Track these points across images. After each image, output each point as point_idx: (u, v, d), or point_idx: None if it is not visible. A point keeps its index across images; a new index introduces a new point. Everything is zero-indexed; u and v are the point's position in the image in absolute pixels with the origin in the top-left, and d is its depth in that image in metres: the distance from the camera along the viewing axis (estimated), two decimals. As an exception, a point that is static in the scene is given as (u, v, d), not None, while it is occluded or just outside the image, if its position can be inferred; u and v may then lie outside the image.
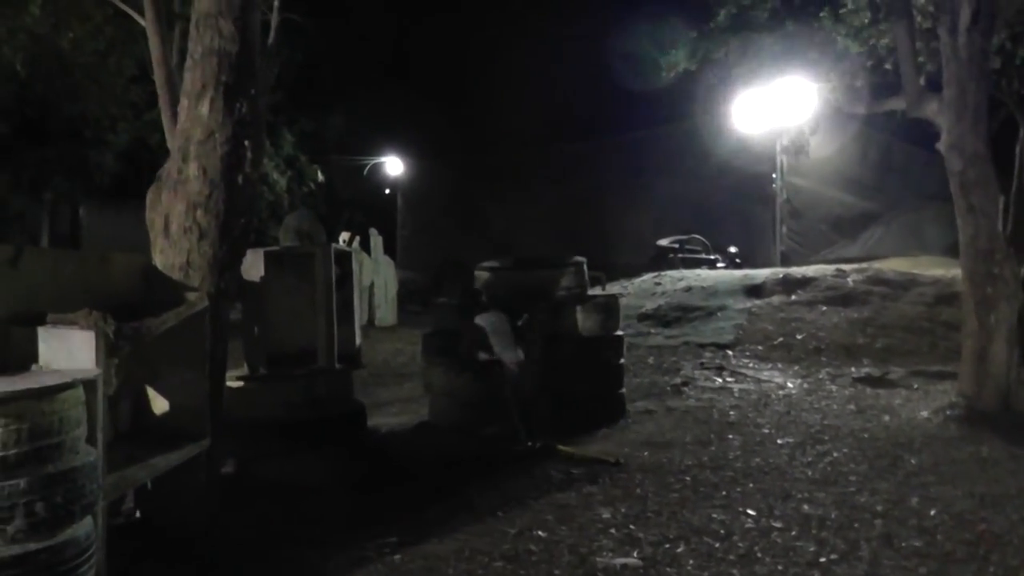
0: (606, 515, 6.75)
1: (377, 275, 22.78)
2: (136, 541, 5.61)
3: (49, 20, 14.45)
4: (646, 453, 8.83)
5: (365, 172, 39.95)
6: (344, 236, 20.01)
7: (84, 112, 21.08)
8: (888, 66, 13.50)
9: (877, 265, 20.38)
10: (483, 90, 36.88)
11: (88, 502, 4.13)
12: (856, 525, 6.48)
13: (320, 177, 31.77)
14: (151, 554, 5.52)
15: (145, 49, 11.35)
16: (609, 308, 10.89)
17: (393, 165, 40.64)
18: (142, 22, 10.42)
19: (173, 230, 6.25)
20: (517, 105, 36.01)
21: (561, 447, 8.76)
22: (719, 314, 17.67)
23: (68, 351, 4.61)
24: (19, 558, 3.73)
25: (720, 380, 13.19)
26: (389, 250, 25.98)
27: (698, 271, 24.25)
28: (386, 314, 23.29)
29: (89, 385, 4.36)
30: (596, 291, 12.03)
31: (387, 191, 42.38)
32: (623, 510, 6.88)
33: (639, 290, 20.93)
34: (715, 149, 29.71)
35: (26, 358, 4.63)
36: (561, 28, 35.81)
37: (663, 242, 30.60)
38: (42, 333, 4.69)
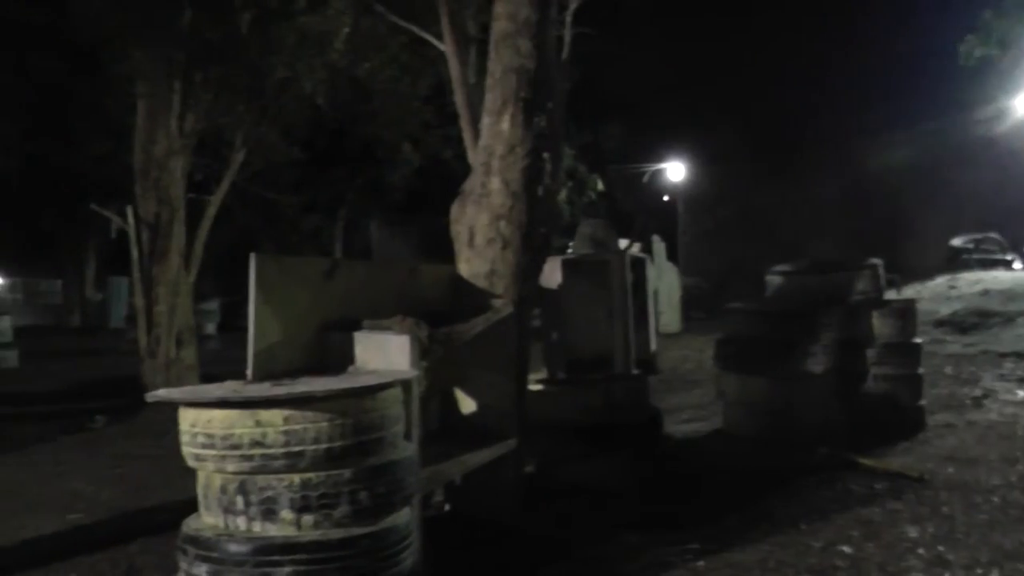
0: (913, 534, 6.51)
1: (661, 281, 22.81)
2: (448, 533, 5.90)
3: (348, 55, 15.33)
4: (950, 469, 8.43)
5: (645, 179, 40.06)
6: (623, 243, 20.18)
7: (377, 134, 22.13)
8: None
9: None
10: (768, 90, 36.29)
11: (407, 493, 4.42)
12: None
13: (600, 186, 32.10)
14: (462, 545, 5.80)
15: (438, 71, 11.88)
16: (907, 313, 10.50)
17: (674, 171, 40.52)
18: (441, 47, 10.92)
19: (478, 241, 6.54)
20: (804, 103, 35.26)
21: (862, 460, 8.52)
22: (1019, 320, 16.67)
23: (384, 354, 4.92)
24: (344, 541, 4.03)
25: (1023, 393, 12.48)
26: (671, 256, 25.99)
27: (995, 273, 23.04)
28: (671, 320, 23.32)
29: (406, 385, 4.65)
30: (892, 295, 11.64)
31: (666, 198, 42.36)
32: (930, 529, 6.60)
33: (933, 293, 20.06)
34: (1015, 139, 28.13)
35: (343, 361, 5.00)
36: (850, 20, 34.77)
37: (956, 241, 29.21)
38: (358, 337, 5.04)
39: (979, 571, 5.75)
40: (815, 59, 34.84)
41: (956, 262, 26.78)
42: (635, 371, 8.70)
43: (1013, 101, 26.23)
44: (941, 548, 6.16)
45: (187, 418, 4.15)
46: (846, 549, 6.13)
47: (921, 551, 6.11)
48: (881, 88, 36.55)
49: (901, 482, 7.87)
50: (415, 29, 11.86)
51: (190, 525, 4.20)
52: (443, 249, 7.05)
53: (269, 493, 4.03)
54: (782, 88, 35.58)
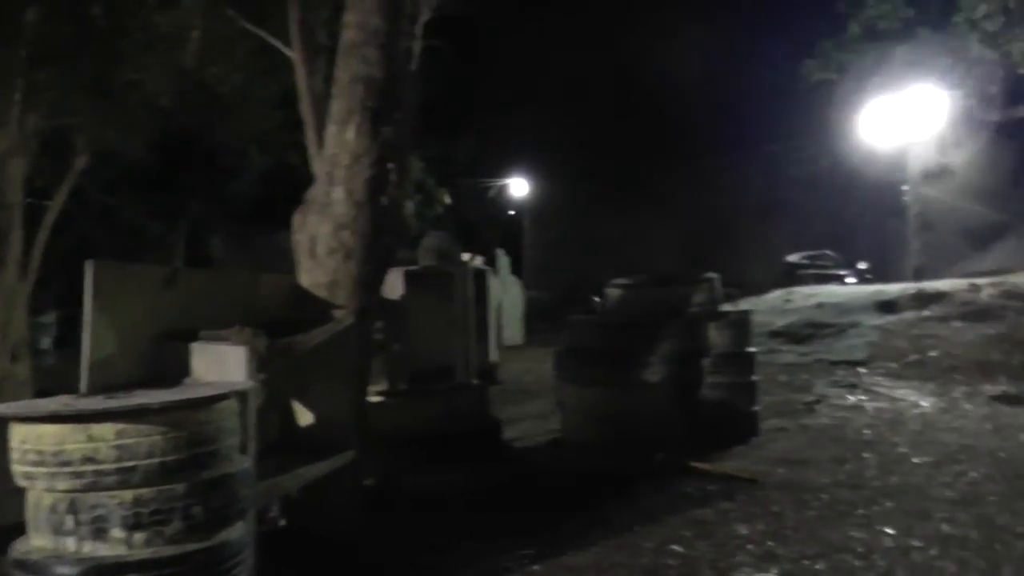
0: (744, 531, 6.74)
1: (505, 294, 22.99)
2: (282, 548, 5.83)
3: (197, 57, 14.99)
4: (781, 471, 8.76)
5: (492, 194, 40.31)
6: (467, 256, 20.24)
7: (224, 140, 21.68)
8: (1023, 71, 13.22)
9: (1012, 278, 19.75)
10: (610, 109, 36.93)
11: (241, 507, 4.35)
12: (997, 546, 6.33)
13: (448, 200, 32.16)
14: (297, 560, 5.74)
15: (287, 77, 11.71)
16: (742, 325, 10.86)
17: (518, 186, 40.88)
18: (289, 54, 10.79)
19: (319, 251, 6.49)
20: (645, 122, 36.00)
21: (696, 464, 8.76)
22: (851, 331, 17.38)
23: (220, 365, 4.85)
24: (177, 558, 3.95)
25: (853, 398, 12.99)
26: (516, 270, 26.20)
27: (828, 287, 23.89)
28: (514, 332, 23.50)
29: (242, 396, 4.59)
30: (728, 307, 11.98)
31: (511, 212, 42.69)
32: (761, 527, 6.85)
33: (769, 307, 20.68)
34: (846, 162, 29.33)
35: (180, 373, 4.90)
36: (689, 45, 35.69)
37: (792, 258, 30.23)
38: (195, 349, 4.95)
39: (806, 563, 6.00)
40: (661, 80, 35.67)
41: (792, 277, 27.67)
42: (476, 381, 8.76)
43: (849, 125, 27.34)
44: (771, 544, 6.41)
45: (17, 434, 4.00)
46: (678, 548, 6.31)
47: (751, 547, 6.34)
48: (725, 110, 37.61)
49: (734, 484, 8.16)
50: (263, 35, 11.69)
51: (18, 548, 4.03)
52: (288, 260, 6.96)
53: (100, 511, 3.90)
54: (628, 107, 36.32)
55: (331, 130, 6.61)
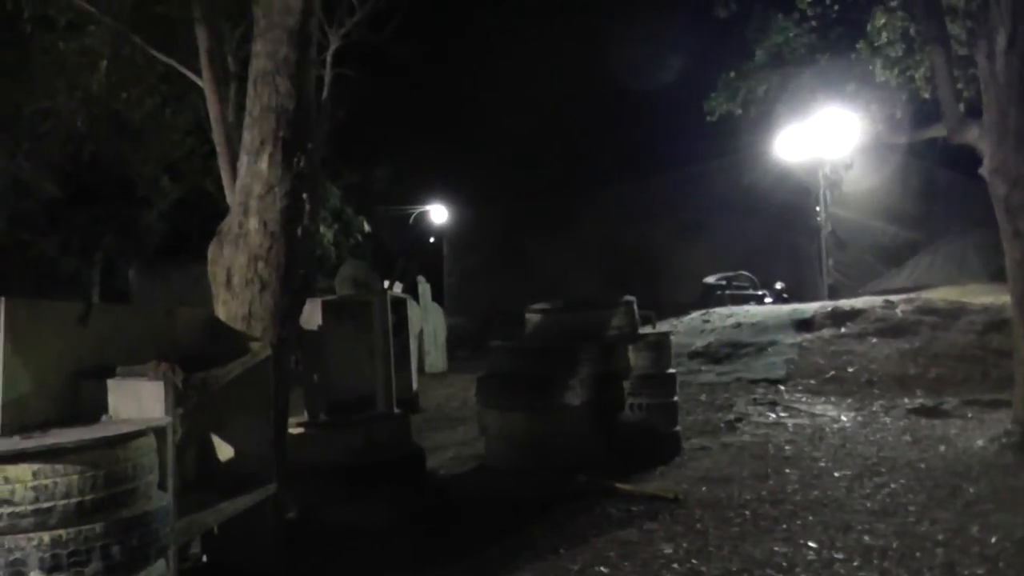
0: (668, 550, 6.79)
1: (426, 322, 22.91)
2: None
3: (105, 83, 14.77)
4: (704, 489, 8.85)
5: (411, 221, 40.25)
6: (386, 284, 20.17)
7: (138, 169, 21.40)
8: (926, 95, 13.58)
9: (925, 295, 20.23)
10: (526, 135, 37.14)
11: (161, 546, 4.28)
12: (918, 554, 6.47)
13: (367, 228, 32.02)
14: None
15: (199, 104, 11.62)
16: (661, 346, 10.97)
17: (438, 213, 40.86)
18: (199, 82, 10.71)
19: (235, 282, 6.42)
20: (561, 148, 36.29)
21: (620, 485, 8.80)
22: (769, 349, 17.63)
23: (137, 402, 4.79)
24: (97, 601, 3.86)
25: (774, 415, 13.18)
26: (436, 297, 26.15)
27: (746, 307, 24.19)
28: (436, 360, 23.42)
29: (160, 433, 4.52)
30: (647, 330, 12.08)
31: (431, 239, 42.66)
32: (684, 545, 6.91)
33: (688, 328, 20.89)
34: (760, 184, 29.82)
35: (97, 410, 4.82)
36: (604, 70, 36.12)
37: (710, 279, 30.52)
38: (112, 385, 4.87)
39: (730, 579, 6.06)
40: (579, 105, 36.08)
41: (710, 298, 27.92)
42: (397, 410, 8.71)
43: (761, 151, 27.83)
44: (694, 561, 6.47)
45: (-68, 478, 3.89)
46: (604, 570, 6.34)
47: (675, 566, 6.40)
48: (642, 134, 38.08)
49: (657, 504, 8.22)
50: (173, 63, 11.59)
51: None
52: (205, 293, 6.88)
53: (17, 555, 3.80)
54: (546, 132, 36.55)
55: (244, 160, 6.55)
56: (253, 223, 6.38)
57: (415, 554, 6.85)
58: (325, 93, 13.33)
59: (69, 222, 24.80)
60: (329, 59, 13.49)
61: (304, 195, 6.51)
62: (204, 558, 6.21)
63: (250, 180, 6.44)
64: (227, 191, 9.88)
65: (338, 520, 7.43)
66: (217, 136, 10.44)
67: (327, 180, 28.70)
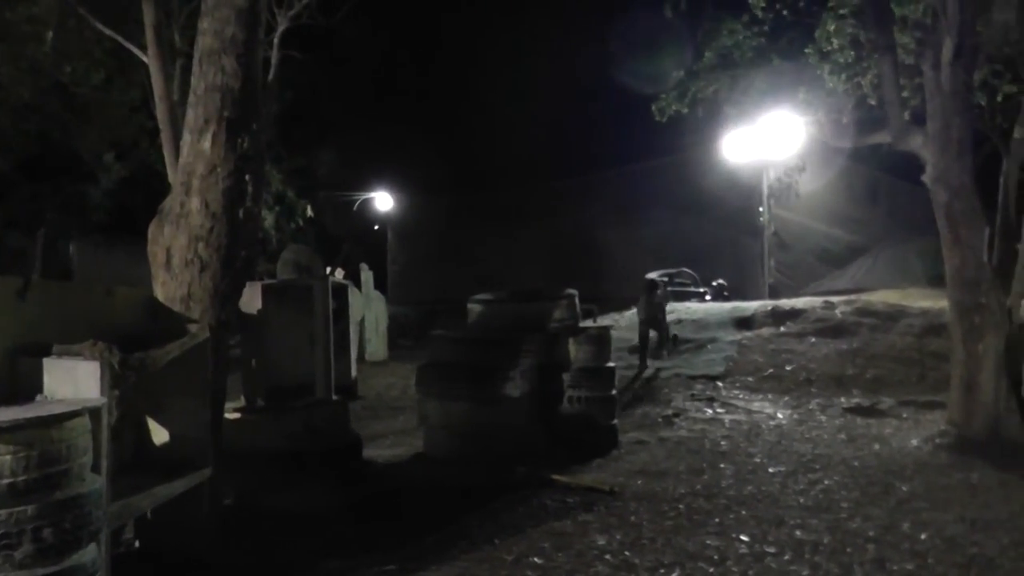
0: (601, 542, 6.82)
1: (368, 310, 22.77)
2: (136, 570, 5.68)
3: (51, 53, 14.51)
4: (640, 482, 8.91)
5: (355, 207, 39.98)
6: (328, 270, 20.02)
7: (81, 147, 21.06)
8: (873, 101, 13.74)
9: (865, 297, 20.49)
10: (473, 126, 37.12)
11: (94, 529, 4.22)
12: (849, 550, 6.56)
13: (309, 213, 31.77)
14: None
15: (146, 81, 11.45)
16: (601, 340, 11.02)
17: (383, 200, 40.59)
18: (144, 58, 10.55)
19: (175, 263, 6.34)
20: (507, 141, 36.26)
21: (557, 477, 8.83)
22: (709, 346, 17.79)
23: (73, 381, 4.70)
24: (28, 583, 3.79)
25: (711, 411, 13.29)
26: (379, 285, 26.02)
27: (687, 304, 24.31)
28: (377, 348, 23.30)
29: (95, 413, 4.45)
30: (588, 323, 12.12)
31: (376, 227, 42.40)
32: (618, 537, 6.95)
33: (629, 323, 20.96)
34: (705, 183, 29.99)
35: (32, 388, 4.73)
36: (551, 65, 36.17)
37: (652, 275, 30.62)
38: (48, 364, 4.79)
39: (662, 572, 6.13)
40: (525, 97, 36.05)
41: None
42: (336, 397, 8.65)
43: (708, 151, 28.01)
44: (628, 553, 6.51)
45: None
46: (537, 560, 6.36)
47: (608, 557, 6.44)
48: (588, 127, 38.17)
49: (593, 496, 8.28)
50: (119, 38, 11.41)
51: None
52: (149, 272, 6.77)
53: (-56, 537, 3.72)
54: (492, 123, 36.51)
55: (187, 139, 6.45)
56: (195, 203, 6.29)
57: (351, 542, 6.81)
58: (272, 74, 13.21)
59: (13, 196, 24.34)
60: (277, 40, 13.36)
61: (247, 176, 6.42)
62: (137, 543, 6.13)
63: (193, 159, 6.35)
64: (169, 170, 9.76)
65: (274, 506, 7.37)
66: (161, 114, 10.30)
67: (270, 163, 28.44)
